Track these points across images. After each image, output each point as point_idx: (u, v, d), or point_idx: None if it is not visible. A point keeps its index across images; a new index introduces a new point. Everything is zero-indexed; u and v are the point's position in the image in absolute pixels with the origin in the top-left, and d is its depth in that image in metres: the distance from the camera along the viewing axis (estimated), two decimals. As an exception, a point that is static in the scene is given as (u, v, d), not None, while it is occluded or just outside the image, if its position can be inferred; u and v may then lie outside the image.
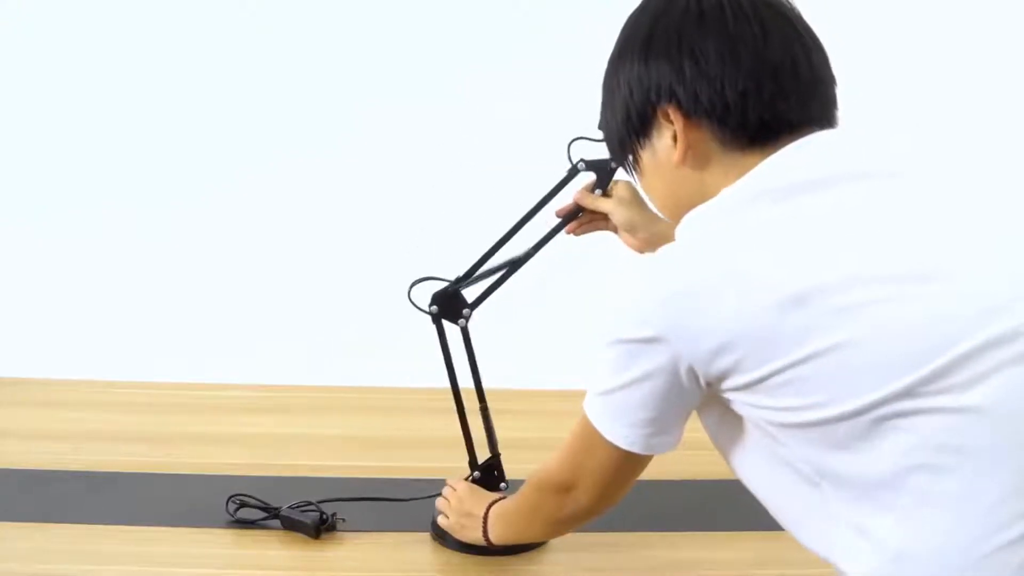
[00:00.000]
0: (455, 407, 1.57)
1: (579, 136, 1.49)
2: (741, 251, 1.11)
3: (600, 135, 1.44)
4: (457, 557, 1.51)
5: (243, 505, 1.57)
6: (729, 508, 1.49)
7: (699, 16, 1.18)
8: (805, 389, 1.07)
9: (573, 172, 1.53)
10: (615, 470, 1.26)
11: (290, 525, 1.54)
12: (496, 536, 1.47)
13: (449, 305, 1.52)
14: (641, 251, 1.56)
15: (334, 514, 1.54)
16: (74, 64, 2.64)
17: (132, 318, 2.66)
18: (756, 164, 1.16)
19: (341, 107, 2.64)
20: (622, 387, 1.17)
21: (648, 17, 1.22)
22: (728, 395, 1.13)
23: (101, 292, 2.67)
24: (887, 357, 1.05)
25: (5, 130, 2.68)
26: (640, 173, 1.28)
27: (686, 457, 1.52)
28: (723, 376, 1.11)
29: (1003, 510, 1.03)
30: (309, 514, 1.53)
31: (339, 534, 1.54)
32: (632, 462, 1.24)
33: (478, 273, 1.53)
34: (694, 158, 1.20)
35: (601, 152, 1.47)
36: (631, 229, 1.54)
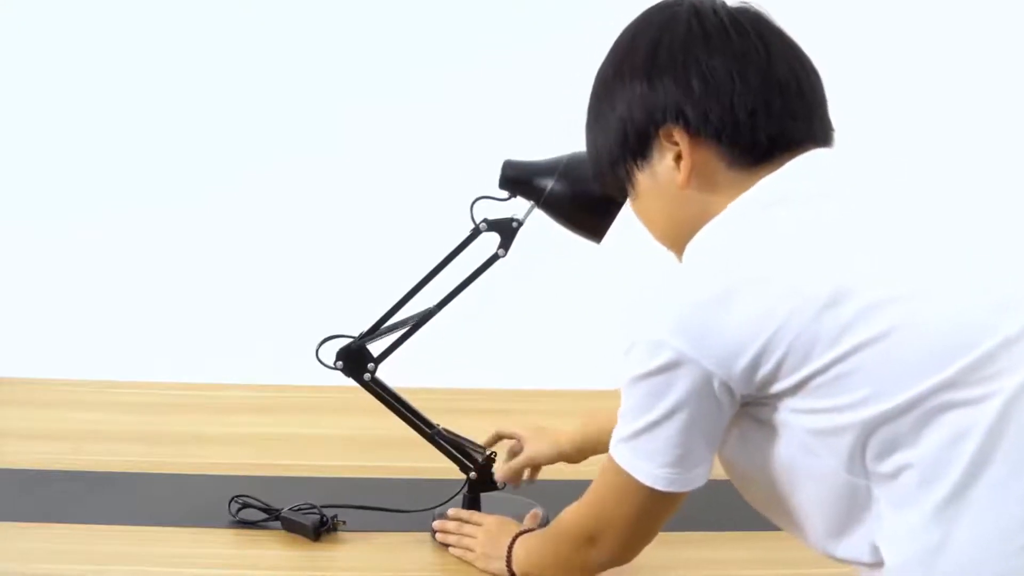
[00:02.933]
0: (420, 436, 1.57)
1: (482, 196, 1.49)
2: (762, 255, 1.10)
3: (504, 194, 1.47)
4: (456, 558, 1.51)
5: (245, 506, 1.57)
6: (729, 508, 1.48)
7: (704, 35, 1.17)
8: (851, 384, 1.07)
9: (475, 232, 1.51)
10: (648, 515, 1.22)
11: (290, 527, 1.54)
12: (521, 572, 1.43)
13: (355, 360, 1.52)
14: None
15: (334, 517, 1.54)
16: (73, 65, 2.64)
17: (132, 318, 2.66)
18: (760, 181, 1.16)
19: (342, 106, 2.64)
20: (651, 426, 1.14)
21: (647, 38, 1.20)
22: (775, 403, 1.11)
23: (101, 292, 2.67)
24: (929, 347, 1.06)
25: (5, 130, 2.68)
26: (635, 196, 1.25)
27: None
28: (766, 383, 1.10)
29: None
30: (310, 516, 1.53)
31: (339, 534, 1.54)
32: (667, 503, 1.20)
33: (383, 328, 1.52)
34: (698, 179, 1.18)
35: (503, 212, 1.48)
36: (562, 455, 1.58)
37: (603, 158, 1.25)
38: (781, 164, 1.16)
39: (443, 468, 1.58)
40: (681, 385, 1.11)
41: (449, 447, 1.57)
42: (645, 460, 1.16)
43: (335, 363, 1.52)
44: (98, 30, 2.62)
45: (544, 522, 1.54)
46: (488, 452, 1.59)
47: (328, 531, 1.54)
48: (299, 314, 2.41)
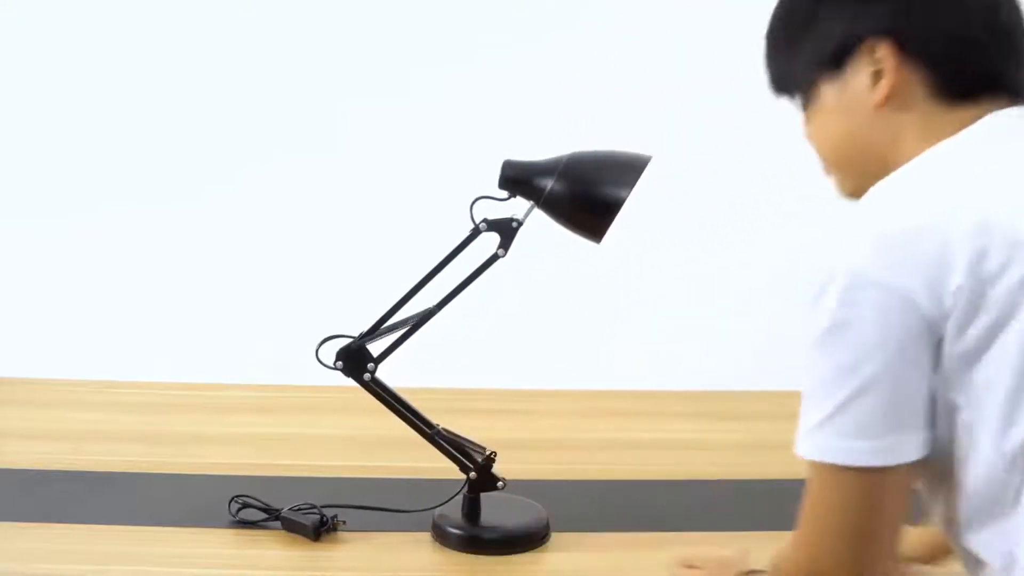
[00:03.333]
0: (419, 435, 1.57)
1: (481, 196, 1.49)
2: (977, 192, 1.02)
3: (503, 194, 1.47)
4: (457, 557, 1.51)
5: (245, 506, 1.57)
6: (733, 508, 1.48)
7: None
8: None
9: (475, 232, 1.51)
10: (864, 511, 1.03)
11: (290, 527, 1.54)
12: None
13: (355, 360, 1.52)
14: None
15: (334, 517, 1.54)
16: (73, 65, 2.63)
17: (132, 318, 2.66)
18: (958, 119, 1.09)
19: (341, 106, 2.64)
20: (850, 397, 1.00)
21: None
22: (958, 362, 1.01)
23: (100, 292, 2.67)
24: None
25: (5, 130, 2.67)
26: (813, 111, 1.17)
27: (687, 457, 1.53)
28: (963, 327, 0.99)
29: None
30: (310, 516, 1.53)
31: (340, 534, 1.54)
32: (883, 486, 1.03)
33: (383, 328, 1.52)
34: (894, 102, 1.11)
35: (503, 212, 1.48)
36: None
37: (786, 69, 1.19)
38: (981, 108, 1.10)
39: (443, 468, 1.58)
40: (880, 324, 0.99)
41: (449, 447, 1.57)
42: (839, 438, 1.01)
43: (335, 363, 1.53)
44: (98, 30, 2.62)
45: (545, 525, 1.54)
46: (488, 452, 1.60)
47: (328, 531, 1.54)
48: (299, 314, 2.41)
